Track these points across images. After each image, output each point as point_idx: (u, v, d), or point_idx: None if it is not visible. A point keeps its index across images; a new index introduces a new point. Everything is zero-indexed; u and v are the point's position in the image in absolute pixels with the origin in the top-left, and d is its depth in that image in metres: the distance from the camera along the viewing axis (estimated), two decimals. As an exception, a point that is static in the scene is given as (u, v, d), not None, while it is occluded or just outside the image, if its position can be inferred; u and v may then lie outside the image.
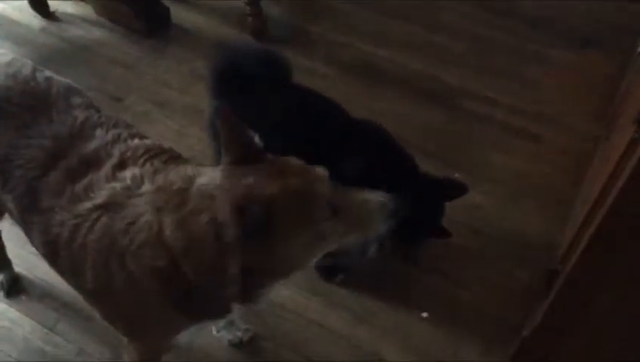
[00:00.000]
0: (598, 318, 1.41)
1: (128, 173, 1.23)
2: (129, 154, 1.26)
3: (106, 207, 1.20)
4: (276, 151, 1.18)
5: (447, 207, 1.76)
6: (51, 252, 1.28)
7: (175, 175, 1.19)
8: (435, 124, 2.35)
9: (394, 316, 1.84)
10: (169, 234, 1.12)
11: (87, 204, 1.21)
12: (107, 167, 1.24)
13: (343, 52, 2.61)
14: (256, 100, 1.67)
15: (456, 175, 2.14)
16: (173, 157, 1.29)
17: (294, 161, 1.16)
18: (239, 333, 1.74)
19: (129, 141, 1.29)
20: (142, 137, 1.33)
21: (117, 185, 1.21)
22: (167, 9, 2.72)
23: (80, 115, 1.33)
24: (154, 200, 1.16)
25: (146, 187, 1.20)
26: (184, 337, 1.36)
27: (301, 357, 1.74)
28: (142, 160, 1.26)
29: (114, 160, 1.25)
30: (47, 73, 1.42)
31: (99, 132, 1.31)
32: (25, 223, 1.32)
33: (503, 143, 2.31)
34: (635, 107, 1.34)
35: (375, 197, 1.20)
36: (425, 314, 1.84)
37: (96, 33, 2.69)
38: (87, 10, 2.77)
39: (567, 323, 1.47)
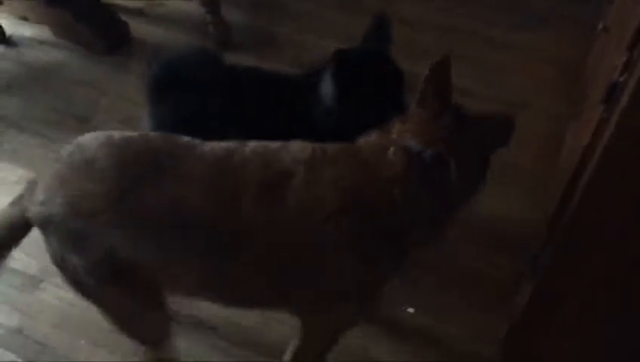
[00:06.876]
0: (580, 303, 1.40)
1: (331, 172, 1.22)
2: (303, 160, 1.24)
3: (352, 199, 1.20)
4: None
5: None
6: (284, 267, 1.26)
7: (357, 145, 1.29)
8: (408, 117, 2.33)
9: (380, 313, 1.82)
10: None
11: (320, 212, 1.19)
12: (300, 177, 1.21)
13: (309, 53, 2.59)
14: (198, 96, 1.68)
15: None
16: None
17: None
18: None
19: (271, 146, 1.27)
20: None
21: (337, 178, 1.21)
22: (126, 24, 2.68)
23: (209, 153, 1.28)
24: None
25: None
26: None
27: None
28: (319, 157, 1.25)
29: (299, 169, 1.22)
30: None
31: (237, 158, 1.25)
32: (210, 283, 1.32)
33: (475, 131, 2.30)
34: (602, 86, 1.34)
35: None
36: (411, 310, 1.83)
37: (56, 55, 2.65)
38: (44, 33, 2.72)
39: (551, 310, 1.47)
